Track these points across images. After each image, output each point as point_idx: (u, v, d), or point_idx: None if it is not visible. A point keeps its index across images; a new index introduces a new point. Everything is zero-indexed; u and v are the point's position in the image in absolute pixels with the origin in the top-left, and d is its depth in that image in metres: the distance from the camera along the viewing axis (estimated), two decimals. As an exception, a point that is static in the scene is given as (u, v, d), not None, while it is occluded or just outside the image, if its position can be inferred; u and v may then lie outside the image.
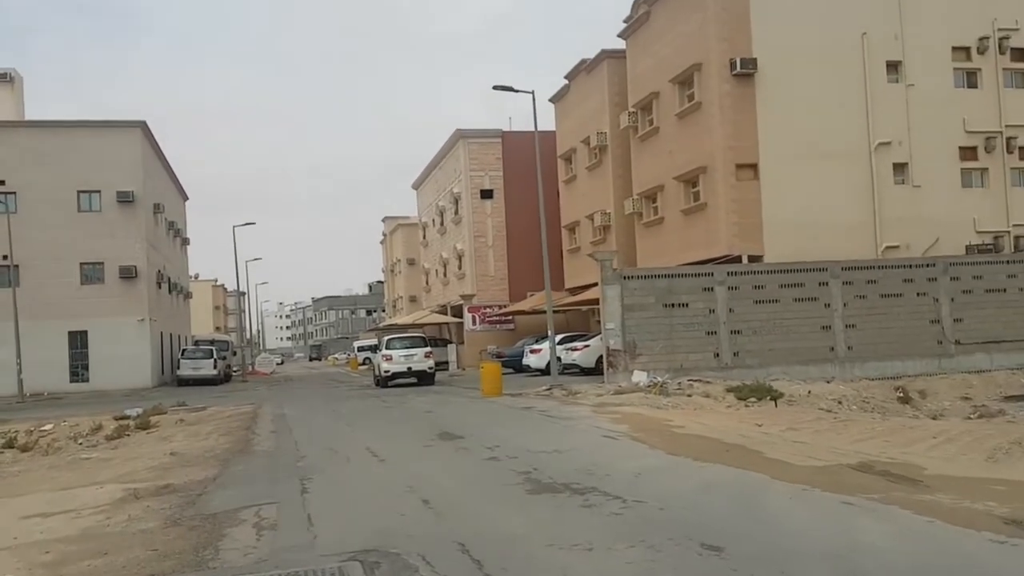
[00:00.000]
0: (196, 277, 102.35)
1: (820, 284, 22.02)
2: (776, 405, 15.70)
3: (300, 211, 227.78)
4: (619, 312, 21.06)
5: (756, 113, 23.65)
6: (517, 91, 21.85)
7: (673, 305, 21.29)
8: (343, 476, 8.86)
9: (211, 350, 37.89)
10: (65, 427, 18.91)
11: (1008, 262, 22.86)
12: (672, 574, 4.53)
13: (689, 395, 18.52)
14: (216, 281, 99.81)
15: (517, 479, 7.77)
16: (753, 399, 17.73)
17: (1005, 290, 22.52)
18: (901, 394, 20.25)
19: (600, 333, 26.90)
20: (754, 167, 23.71)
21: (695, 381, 20.40)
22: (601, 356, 24.91)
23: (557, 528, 5.69)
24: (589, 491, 6.94)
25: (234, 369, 46.38)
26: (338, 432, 13.84)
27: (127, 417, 19.32)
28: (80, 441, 17.00)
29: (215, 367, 37.13)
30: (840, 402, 17.66)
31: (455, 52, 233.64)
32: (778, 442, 9.50)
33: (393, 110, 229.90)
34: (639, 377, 20.65)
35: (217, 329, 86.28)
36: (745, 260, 23.07)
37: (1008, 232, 24.71)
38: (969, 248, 24.18)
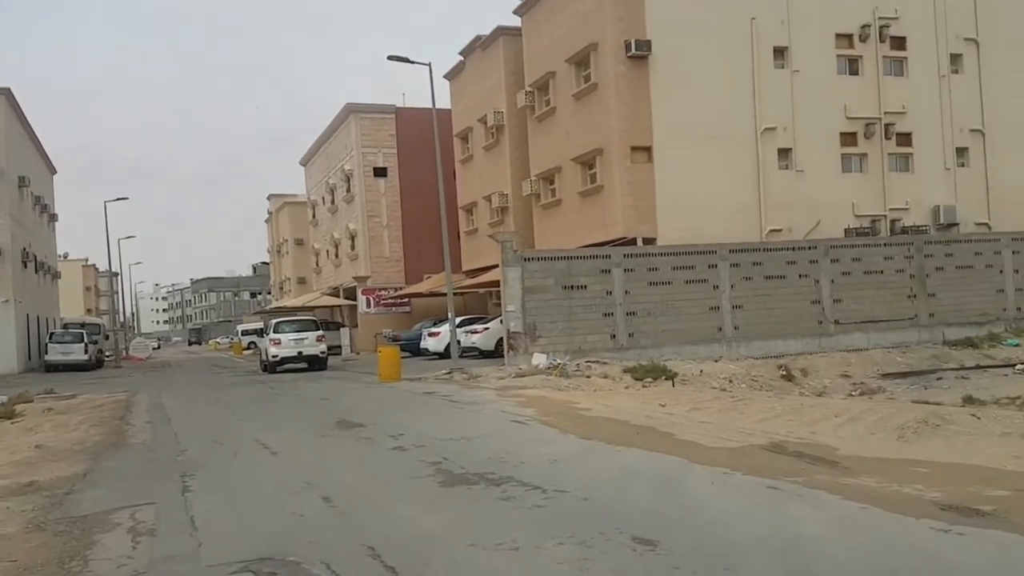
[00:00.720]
0: (66, 256, 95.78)
1: (710, 266, 22.45)
2: (673, 385, 15.86)
3: (180, 189, 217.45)
4: (520, 294, 20.83)
5: (650, 95, 23.81)
6: (413, 62, 21.16)
7: (572, 287, 21.24)
8: (231, 472, 8.17)
9: (81, 334, 35.37)
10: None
11: (885, 244, 24.00)
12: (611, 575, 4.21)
13: (588, 376, 18.55)
14: (87, 261, 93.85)
15: (427, 471, 7.32)
16: (649, 379, 17.94)
17: (882, 272, 23.62)
18: (784, 372, 20.94)
19: (499, 316, 26.70)
20: (648, 150, 23.90)
21: (593, 362, 20.47)
22: (501, 339, 24.68)
23: (477, 525, 5.28)
24: (505, 481, 6.57)
25: (107, 354, 43.63)
26: (223, 423, 12.96)
27: (-13, 407, 17.70)
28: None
29: (86, 352, 34.71)
30: (731, 381, 18.08)
31: (348, 27, 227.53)
32: (685, 423, 9.43)
33: (279, 86, 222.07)
34: (539, 359, 20.52)
35: (88, 312, 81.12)
36: (640, 243, 23.27)
37: (884, 216, 25.95)
38: (848, 231, 25.25)
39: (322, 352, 26.91)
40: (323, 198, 46.11)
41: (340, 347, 36.75)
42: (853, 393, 18.72)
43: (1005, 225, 26.23)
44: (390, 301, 38.52)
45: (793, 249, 23.18)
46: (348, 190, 40.92)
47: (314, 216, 49.43)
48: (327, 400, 15.80)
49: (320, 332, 27.41)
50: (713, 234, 23.12)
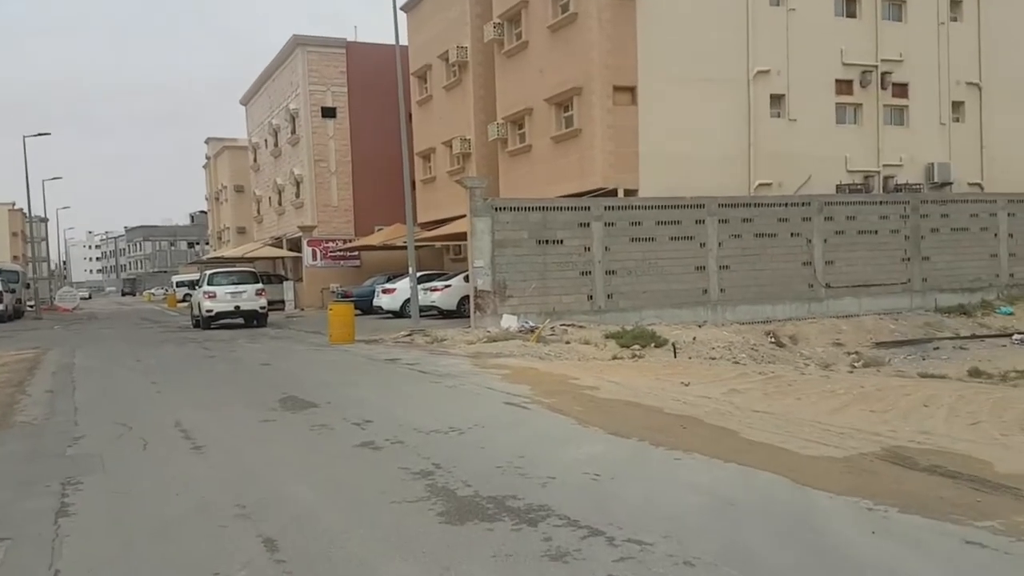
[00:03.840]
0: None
1: (697, 222, 20.50)
2: (675, 355, 13.88)
3: (114, 131, 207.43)
4: (489, 248, 18.56)
5: (636, 29, 21.48)
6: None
7: (547, 242, 19.06)
8: (134, 479, 5.82)
9: (-5, 282, 31.91)
10: None
11: (881, 203, 22.32)
12: None
13: (567, 342, 16.49)
14: (14, 205, 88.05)
15: (416, 489, 5.10)
16: (637, 346, 16.03)
17: (876, 232, 21.97)
18: (773, 339, 19.28)
19: (460, 272, 24.39)
20: (632, 90, 21.65)
21: (568, 326, 18.42)
22: (463, 298, 22.48)
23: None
24: (541, 515, 4.39)
25: (28, 304, 40.04)
26: (140, 394, 10.50)
27: None
28: None
29: (1, 301, 31.33)
30: (729, 349, 16.22)
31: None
32: (735, 412, 7.38)
33: (222, 21, 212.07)
34: (509, 322, 18.37)
35: (15, 258, 76.06)
36: (621, 194, 21.14)
37: (878, 172, 24.28)
38: (840, 187, 23.51)
39: (262, 307, 24.32)
40: (265, 140, 42.71)
41: (283, 302, 34.00)
42: (856, 365, 17.13)
43: (997, 186, 24.85)
44: (338, 254, 35.77)
45: (786, 205, 21.33)
46: (293, 131, 37.70)
47: (255, 160, 45.95)
48: (269, 366, 13.38)
49: (260, 286, 24.77)
50: (698, 187, 21.09)
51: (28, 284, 41.93)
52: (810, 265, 21.48)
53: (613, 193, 21.00)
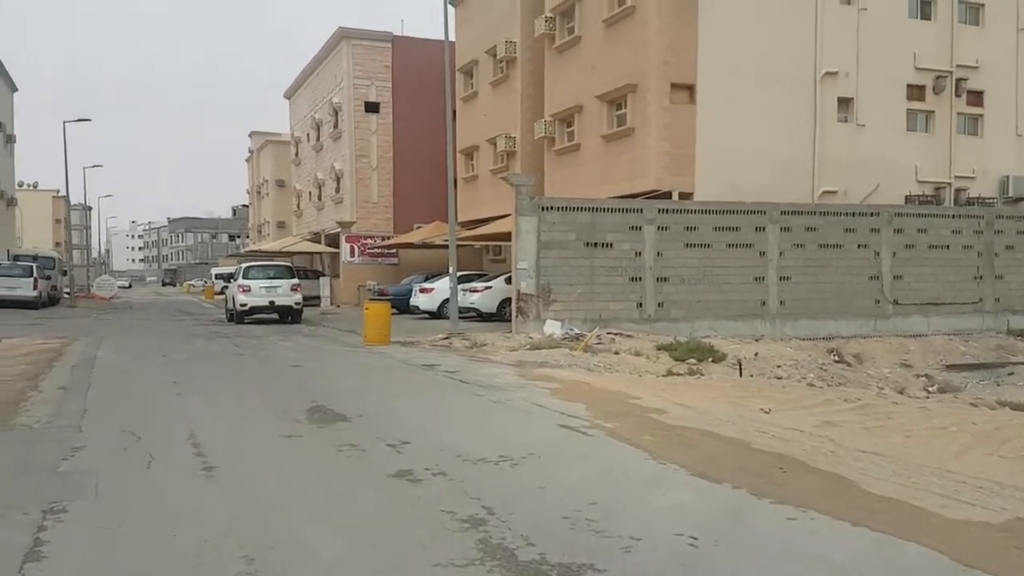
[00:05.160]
0: (35, 186, 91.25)
1: (757, 229, 19.28)
2: (741, 374, 12.69)
3: (161, 122, 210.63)
4: (534, 249, 17.53)
5: (698, 24, 20.32)
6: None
7: (596, 244, 17.99)
8: (127, 509, 4.88)
9: (31, 267, 31.57)
10: None
11: (954, 216, 20.83)
12: None
13: (616, 353, 15.39)
14: (59, 192, 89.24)
15: (465, 544, 4.07)
16: (692, 360, 14.85)
17: (948, 247, 20.52)
18: (836, 357, 17.98)
19: (501, 273, 23.40)
20: (691, 89, 20.50)
21: (616, 334, 17.32)
22: (504, 300, 21.51)
23: None
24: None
25: (64, 291, 39.91)
26: (157, 395, 9.64)
27: None
28: None
29: (35, 287, 30.97)
30: (795, 367, 14.97)
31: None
32: (837, 451, 6.25)
33: (270, 18, 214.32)
34: (552, 328, 17.32)
35: (57, 245, 76.89)
36: (675, 198, 19.97)
37: (949, 184, 22.79)
38: (909, 198, 22.10)
39: (296, 303, 23.55)
40: (308, 134, 42.21)
41: (319, 298, 33.35)
42: (929, 390, 15.81)
43: (1076, 203, 23.21)
44: (376, 251, 35.00)
45: (853, 215, 19.99)
46: (335, 126, 37.07)
47: (297, 154, 45.50)
48: (299, 368, 12.48)
49: (295, 280, 24.00)
50: (757, 192, 19.90)
51: (64, 271, 41.84)
52: (877, 279, 20.13)
53: (667, 196, 19.86)
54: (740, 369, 13.18)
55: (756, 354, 15.24)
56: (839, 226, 19.83)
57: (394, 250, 34.60)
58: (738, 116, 20.55)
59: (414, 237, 31.46)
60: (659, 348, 15.80)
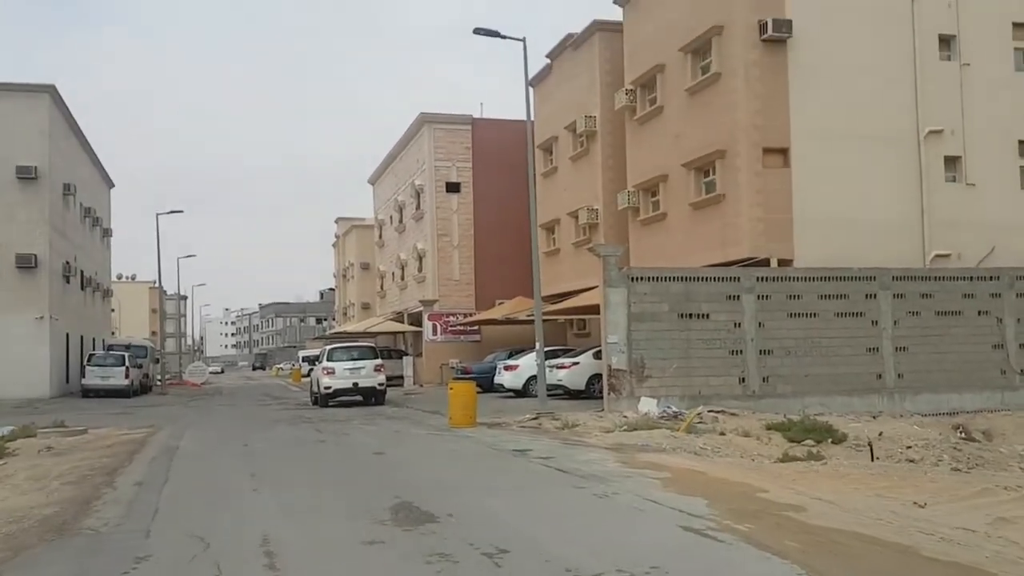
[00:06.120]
0: (133, 278, 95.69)
1: (867, 296, 17.96)
2: (873, 457, 11.30)
3: (251, 211, 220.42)
4: (624, 322, 16.62)
5: (788, 87, 19.53)
6: (504, 37, 17.33)
7: (690, 315, 16.97)
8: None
9: (123, 356, 32.27)
10: None
11: (1084, 278, 18.97)
12: None
13: (722, 433, 14.16)
14: (155, 283, 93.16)
15: None
16: (810, 441, 13.46)
17: (1079, 312, 18.64)
18: (963, 434, 16.19)
19: (589, 348, 22.46)
20: (784, 152, 19.57)
21: (718, 412, 16.08)
22: (593, 376, 20.53)
23: None
24: None
25: (156, 379, 40.76)
26: (234, 491, 9.02)
27: (-13, 440, 14.40)
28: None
29: (127, 376, 31.57)
30: (927, 447, 13.41)
31: (419, 49, 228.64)
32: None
33: (354, 107, 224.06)
34: (648, 406, 16.22)
35: (154, 334, 79.79)
36: (774, 265, 18.84)
37: (1072, 243, 20.91)
38: (1029, 260, 20.30)
39: (380, 384, 23.09)
40: (391, 217, 42.77)
41: (402, 378, 32.93)
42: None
43: None
44: (459, 328, 34.57)
45: (970, 279, 18.46)
46: (418, 207, 37.39)
47: (380, 236, 46.12)
48: (383, 456, 11.75)
49: (379, 361, 23.59)
50: (862, 257, 18.63)
51: (157, 359, 42.85)
52: (1001, 348, 18.41)
53: (764, 263, 18.74)
54: (871, 452, 11.78)
55: (880, 433, 13.76)
56: (956, 292, 18.32)
57: (476, 327, 34.13)
58: (837, 178, 19.47)
59: (496, 313, 30.93)
60: (769, 428, 14.50)
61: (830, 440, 13.34)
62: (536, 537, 6.09)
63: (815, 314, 17.53)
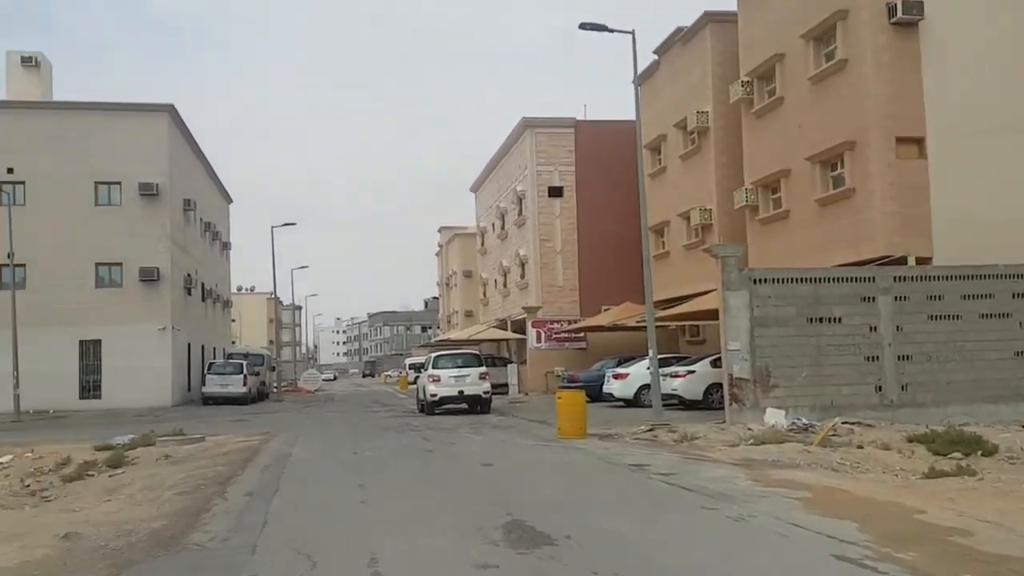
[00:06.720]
0: (252, 290, 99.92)
1: (1014, 295, 16.23)
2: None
3: (358, 223, 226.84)
4: (747, 327, 15.53)
5: (921, 72, 17.99)
6: (612, 30, 16.60)
7: (820, 320, 15.70)
8: None
9: (241, 365, 33.27)
10: (29, 459, 14.41)
11: None
12: None
13: (859, 447, 12.90)
14: (272, 294, 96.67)
15: None
16: (957, 454, 12.06)
17: None
18: None
19: (706, 356, 21.34)
20: (919, 142, 18.02)
21: (853, 424, 14.75)
22: (711, 386, 19.46)
23: None
24: None
25: (273, 386, 41.95)
26: (343, 503, 8.65)
27: (111, 447, 14.80)
28: (27, 482, 12.39)
29: (244, 384, 32.51)
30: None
31: (520, 66, 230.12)
32: None
33: (456, 121, 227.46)
34: (775, 417, 15.06)
35: (271, 343, 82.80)
36: (912, 263, 17.32)
37: None
38: None
39: (485, 392, 22.70)
40: (493, 224, 42.60)
41: (506, 386, 32.49)
42: None
43: None
44: (563, 335, 33.86)
45: None
46: (520, 213, 37.00)
47: (483, 244, 46.05)
48: (491, 468, 11.20)
49: (483, 369, 23.23)
50: (1010, 254, 16.87)
51: (273, 367, 44.09)
52: None
53: (901, 262, 17.24)
54: (1043, 471, 10.39)
55: (1041, 448, 12.22)
56: (1118, 289, 16.32)
57: (582, 334, 33.35)
58: (980, 169, 17.80)
59: (603, 319, 30.08)
60: (910, 440, 13.13)
61: (979, 452, 11.93)
62: (668, 566, 5.35)
63: (958, 316, 15.97)
